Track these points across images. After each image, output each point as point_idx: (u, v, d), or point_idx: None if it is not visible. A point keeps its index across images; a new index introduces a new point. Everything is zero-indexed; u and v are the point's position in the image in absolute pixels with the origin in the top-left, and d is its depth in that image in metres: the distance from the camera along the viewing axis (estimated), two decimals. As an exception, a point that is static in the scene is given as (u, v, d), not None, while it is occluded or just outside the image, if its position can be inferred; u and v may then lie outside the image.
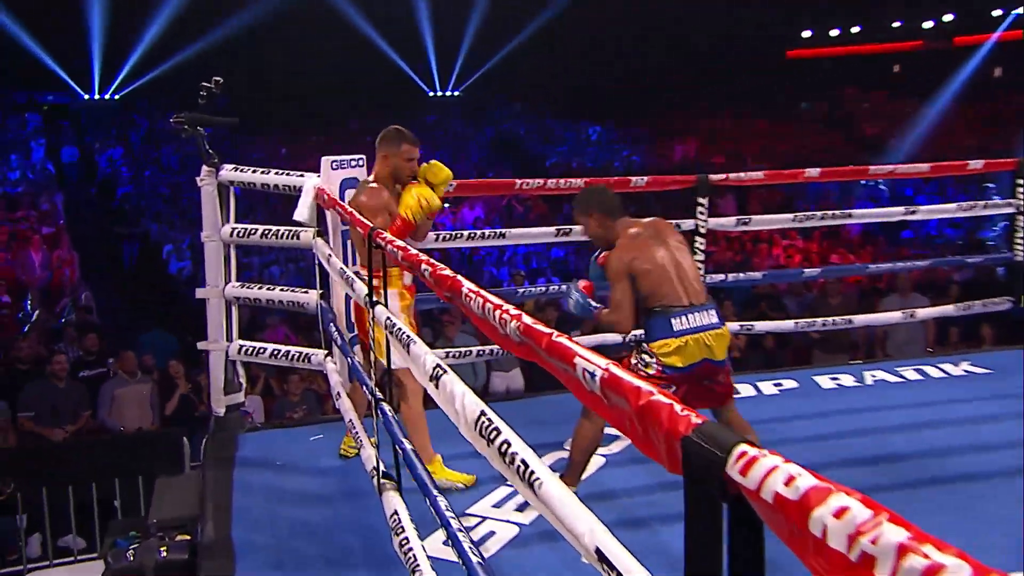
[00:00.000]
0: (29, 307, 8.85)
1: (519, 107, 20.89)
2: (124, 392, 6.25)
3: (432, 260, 1.87)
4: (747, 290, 7.82)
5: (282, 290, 3.89)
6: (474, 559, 1.64)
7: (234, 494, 3.26)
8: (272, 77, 18.18)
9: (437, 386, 1.60)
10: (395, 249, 2.15)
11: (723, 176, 4.33)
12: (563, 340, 1.18)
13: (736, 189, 12.64)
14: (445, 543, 1.89)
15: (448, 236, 4.14)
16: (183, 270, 10.60)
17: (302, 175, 3.61)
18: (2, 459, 5.55)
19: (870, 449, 3.52)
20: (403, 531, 2.14)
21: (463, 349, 4.18)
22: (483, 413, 1.35)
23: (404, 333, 1.98)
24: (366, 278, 2.55)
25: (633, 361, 2.83)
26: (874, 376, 4.60)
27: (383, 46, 19.66)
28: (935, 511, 2.84)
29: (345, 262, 3.56)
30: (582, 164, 16.84)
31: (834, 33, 21.15)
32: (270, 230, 3.74)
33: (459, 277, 1.66)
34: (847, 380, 4.56)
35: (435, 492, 1.92)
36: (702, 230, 4.23)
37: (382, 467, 2.46)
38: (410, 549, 2.06)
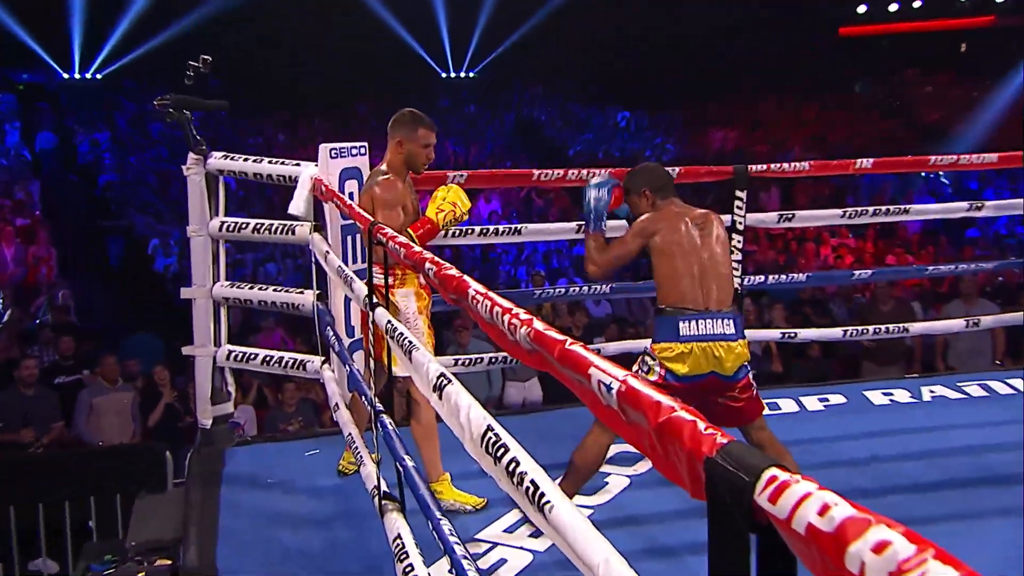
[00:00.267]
0: (1, 306, 8.95)
1: (540, 90, 20.89)
2: (103, 401, 6.30)
3: (437, 259, 1.87)
4: (791, 294, 7.76)
5: (275, 290, 3.90)
6: (480, 590, 1.64)
7: (221, 515, 3.27)
8: (270, 55, 18.28)
9: (441, 397, 1.60)
10: (397, 246, 2.15)
11: (764, 167, 4.30)
12: (577, 348, 1.17)
13: (780, 182, 12.61)
14: (451, 571, 1.89)
15: (459, 232, 4.14)
16: (170, 267, 10.69)
17: (298, 164, 3.62)
18: (-36, 475, 5.59)
19: (927, 474, 3.48)
20: (407, 557, 2.14)
21: (474, 356, 4.19)
22: (490, 428, 1.35)
23: (406, 338, 1.98)
24: (379, 277, 2.56)
25: (635, 367, 2.83)
26: (933, 391, 4.55)
27: (392, 23, 19.71)
28: (998, 545, 2.80)
29: (345, 259, 3.57)
30: (609, 153, 16.83)
31: (893, 8, 20.95)
32: (262, 224, 3.76)
33: (466, 278, 1.66)
34: (902, 396, 4.52)
35: (438, 515, 1.92)
36: (740, 226, 4.20)
37: (384, 486, 2.47)
38: (413, 577, 2.06)
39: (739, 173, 4.18)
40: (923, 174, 13.55)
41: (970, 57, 19.83)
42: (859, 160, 4.40)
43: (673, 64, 19.77)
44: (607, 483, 3.43)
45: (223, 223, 3.82)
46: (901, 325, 4.66)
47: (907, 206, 5.18)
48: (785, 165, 4.37)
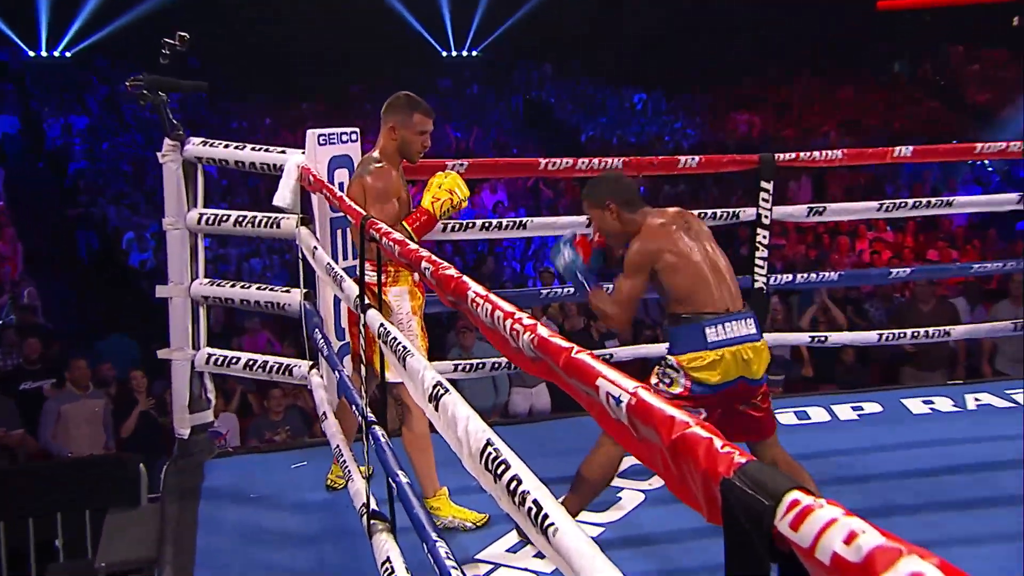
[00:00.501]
0: (-39, 306, 8.98)
1: (549, 70, 20.89)
2: (72, 409, 6.31)
3: (434, 257, 1.87)
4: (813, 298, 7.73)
5: (259, 289, 3.91)
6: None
7: (199, 533, 3.28)
8: (254, 31, 18.31)
9: (437, 408, 1.60)
10: (391, 243, 2.15)
11: (792, 155, 4.29)
12: (584, 357, 1.17)
13: (811, 171, 12.58)
14: (446, 597, 1.89)
15: (460, 226, 4.14)
16: (146, 262, 10.72)
17: (283, 151, 3.63)
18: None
19: (972, 492, 3.47)
20: (397, 581, 2.15)
21: (475, 361, 4.19)
22: (489, 443, 1.35)
23: (399, 343, 1.98)
24: (371, 275, 2.56)
25: (654, 380, 2.82)
26: (978, 400, 4.54)
27: (389, -4, 19.76)
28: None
29: (334, 255, 3.58)
30: (624, 139, 16.82)
31: (936, -22, 20.92)
32: (245, 217, 3.77)
33: (465, 278, 1.66)
34: (944, 404, 4.51)
35: (434, 536, 1.92)
36: (765, 220, 4.20)
37: (373, 503, 2.47)
38: (405, 604, 2.07)
39: (765, 162, 4.17)
40: (969, 162, 13.50)
41: (1022, 32, 19.75)
42: (898, 148, 4.38)
43: (694, 41, 19.72)
44: (620, 498, 3.43)
45: (202, 215, 3.82)
46: (943, 328, 4.64)
47: (951, 198, 5.16)
48: (816, 153, 4.36)
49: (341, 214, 3.29)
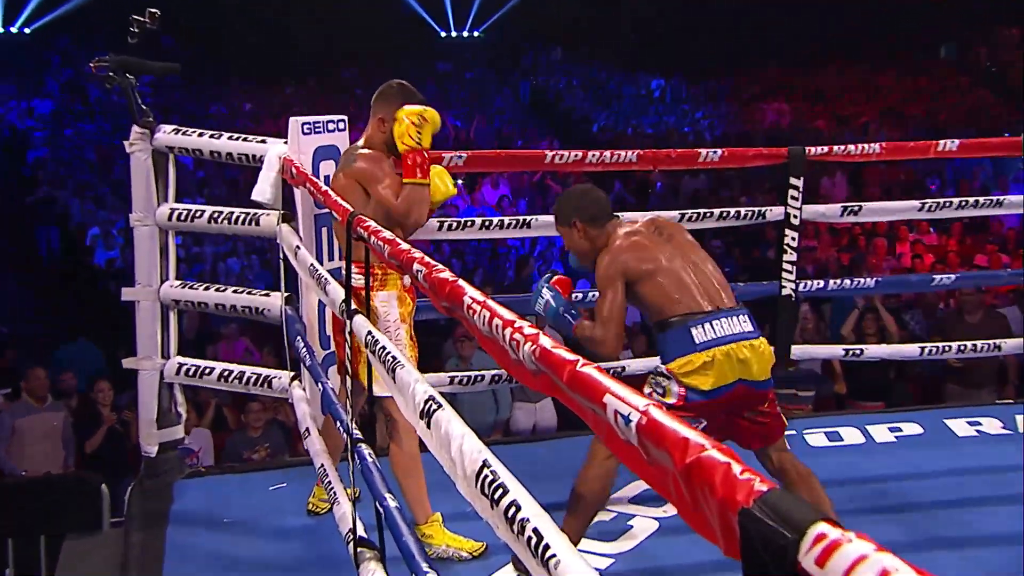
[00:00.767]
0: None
1: (559, 53, 20.92)
2: (28, 423, 6.32)
3: (427, 258, 1.87)
4: (854, 301, 7.72)
5: (236, 292, 3.91)
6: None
7: (166, 561, 3.28)
8: (236, 7, 18.34)
9: (429, 425, 1.60)
10: (381, 242, 2.15)
11: (825, 149, 4.29)
12: (590, 371, 1.16)
13: (846, 166, 12.58)
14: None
15: (458, 224, 4.14)
16: (113, 261, 10.74)
17: (264, 141, 3.63)
18: None
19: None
20: (385, 616, 2.14)
21: (473, 373, 4.19)
22: (486, 464, 1.35)
23: (389, 353, 1.98)
24: (358, 278, 2.56)
25: (647, 391, 2.84)
26: (1030, 421, 4.53)
27: (382, -29, 19.78)
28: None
29: (319, 256, 3.58)
30: (640, 129, 16.84)
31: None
32: (220, 212, 3.77)
33: (460, 282, 1.66)
34: (992, 426, 4.50)
35: (425, 567, 1.92)
36: (795, 220, 4.20)
37: (361, 529, 2.47)
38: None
39: (795, 156, 4.17)
40: (1022, 156, 13.49)
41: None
42: (943, 141, 4.38)
43: (718, 22, 19.73)
44: (631, 527, 3.44)
45: (173, 211, 3.83)
46: (993, 341, 4.63)
47: (1001, 196, 5.14)
48: (851, 147, 4.36)
49: (327, 210, 3.30)
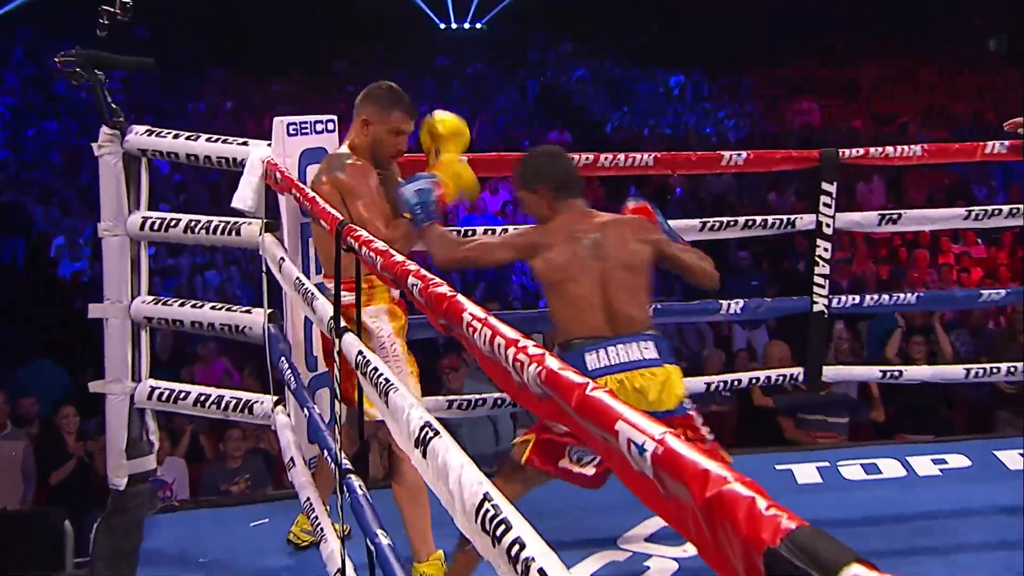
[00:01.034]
0: None
1: (568, 47, 20.96)
2: (-15, 451, 6.33)
3: (423, 272, 1.87)
4: (896, 319, 7.71)
5: (214, 308, 3.92)
6: None
7: (136, 604, 3.28)
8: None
9: (425, 454, 1.60)
10: (373, 254, 2.16)
11: (861, 151, 4.29)
12: (601, 395, 1.17)
13: (885, 171, 12.58)
14: None
15: (458, 233, 4.14)
16: (80, 274, 10.75)
17: (245, 143, 3.64)
18: None
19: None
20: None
21: (473, 397, 4.18)
22: (487, 498, 1.35)
23: (381, 375, 1.99)
24: (347, 296, 2.57)
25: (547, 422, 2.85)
26: (1089, 453, 4.52)
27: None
28: None
29: (305, 269, 3.58)
30: (657, 130, 16.86)
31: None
32: (198, 221, 3.78)
33: (459, 297, 1.66)
34: (1047, 457, 4.49)
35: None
36: (827, 229, 4.19)
37: (350, 569, 2.47)
38: None
39: (827, 159, 4.17)
40: (1077, 161, 13.47)
41: None
42: (990, 143, 4.37)
43: (743, 13, 19.76)
44: (648, 568, 3.43)
45: (146, 219, 3.84)
46: (1046, 363, 4.62)
47: (1054, 204, 5.13)
48: (890, 149, 4.36)
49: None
